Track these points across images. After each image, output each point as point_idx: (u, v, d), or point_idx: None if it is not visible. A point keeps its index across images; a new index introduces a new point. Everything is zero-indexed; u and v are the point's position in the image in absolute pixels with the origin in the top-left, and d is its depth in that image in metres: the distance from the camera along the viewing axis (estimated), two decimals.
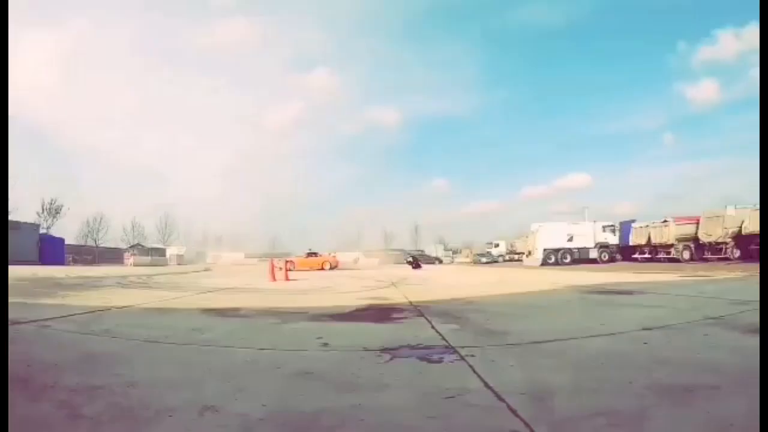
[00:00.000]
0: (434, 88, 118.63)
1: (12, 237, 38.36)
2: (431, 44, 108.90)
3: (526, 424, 2.67)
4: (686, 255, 34.68)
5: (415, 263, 41.13)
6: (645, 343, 4.93)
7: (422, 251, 72.64)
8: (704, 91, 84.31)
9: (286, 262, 22.45)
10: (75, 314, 7.39)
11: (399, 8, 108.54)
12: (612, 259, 41.23)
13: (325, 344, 5.27)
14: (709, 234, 32.73)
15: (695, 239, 34.10)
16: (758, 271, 13.47)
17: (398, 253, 74.37)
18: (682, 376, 3.59)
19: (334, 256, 46.06)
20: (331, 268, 40.39)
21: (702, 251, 33.23)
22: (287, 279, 19.74)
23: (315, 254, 44.71)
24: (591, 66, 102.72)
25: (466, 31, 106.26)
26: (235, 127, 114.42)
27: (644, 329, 5.71)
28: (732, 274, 15.94)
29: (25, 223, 44.82)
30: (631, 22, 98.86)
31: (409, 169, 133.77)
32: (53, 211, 61.65)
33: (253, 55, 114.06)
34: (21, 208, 52.49)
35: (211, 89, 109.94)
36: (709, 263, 28.69)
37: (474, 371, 3.95)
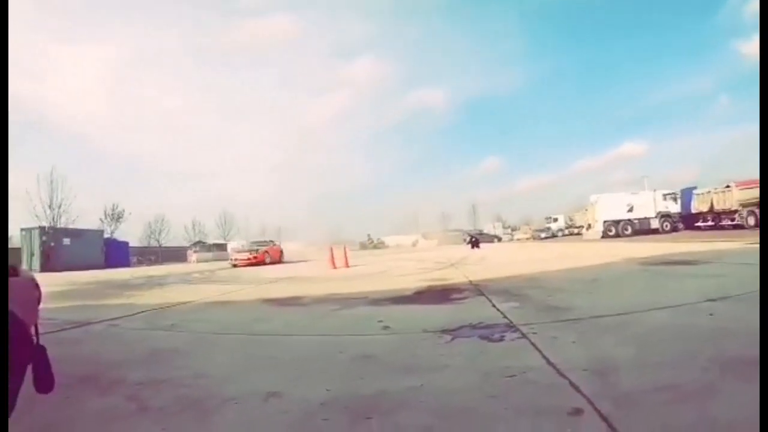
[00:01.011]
0: (480, 65, 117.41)
1: (77, 244, 40.37)
2: (473, 21, 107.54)
3: (589, 401, 2.63)
4: (751, 221, 33.17)
5: (474, 242, 40.81)
6: (710, 315, 4.77)
7: (480, 230, 72.22)
8: (756, 47, 79.62)
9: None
10: (141, 312, 7.68)
11: None
12: (674, 229, 40.02)
13: (386, 327, 5.33)
14: None
15: (760, 204, 32.60)
16: None
17: (456, 233, 74.15)
18: (750, 349, 3.45)
19: (277, 247, 36.22)
20: (272, 263, 31.19)
21: None
22: (347, 266, 19.91)
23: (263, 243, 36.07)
24: (638, 31, 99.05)
25: (508, 4, 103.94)
26: (284, 120, 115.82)
27: (708, 300, 5.51)
28: None
29: (89, 229, 46.75)
30: None
31: (461, 149, 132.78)
32: (116, 216, 64.55)
33: (296, 50, 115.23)
34: (84, 216, 55.21)
35: (258, 86, 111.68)
36: None
37: (536, 348, 3.93)
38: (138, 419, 2.84)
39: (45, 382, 1.07)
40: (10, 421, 0.85)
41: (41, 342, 1.08)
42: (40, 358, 1.08)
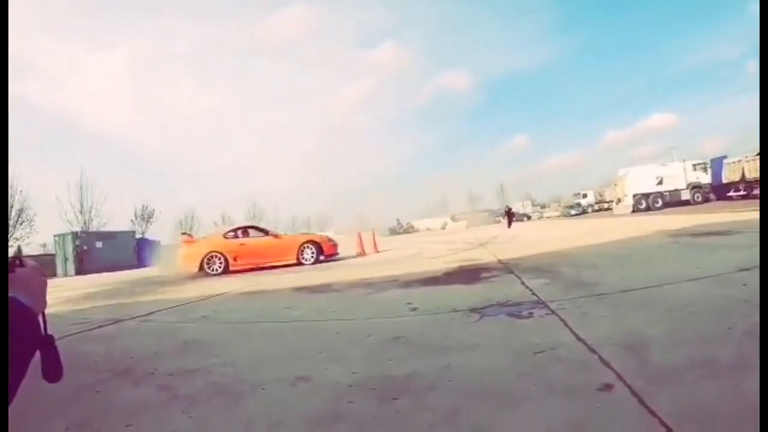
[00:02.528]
0: (503, 42, 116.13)
1: (109, 246, 41.24)
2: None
3: (619, 376, 2.60)
4: None
5: (509, 214, 40.32)
6: (744, 285, 4.64)
7: (509, 209, 72.04)
8: None
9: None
10: (173, 306, 7.81)
11: None
12: (706, 200, 39.28)
13: (415, 309, 5.35)
14: None
15: None
16: None
17: (485, 214, 73.74)
18: None
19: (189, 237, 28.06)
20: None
21: None
22: (376, 250, 19.93)
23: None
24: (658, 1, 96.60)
25: None
26: (309, 111, 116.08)
27: (742, 270, 5.37)
28: None
29: (121, 231, 47.54)
30: None
31: (488, 128, 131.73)
32: (146, 216, 65.57)
33: (318, 40, 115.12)
34: (116, 218, 56.23)
35: (280, 78, 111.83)
36: None
37: (565, 324, 3.90)
38: (167, 406, 2.90)
39: (54, 372, 1.06)
40: (11, 409, 0.86)
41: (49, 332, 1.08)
42: (48, 347, 1.08)
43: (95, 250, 40.14)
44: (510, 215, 40.51)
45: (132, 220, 64.82)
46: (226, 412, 2.73)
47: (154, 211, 67.13)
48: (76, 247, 39.43)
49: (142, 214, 66.37)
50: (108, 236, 43.89)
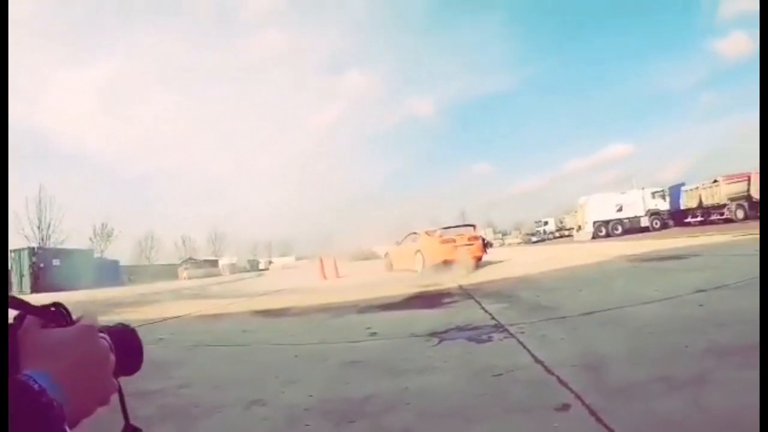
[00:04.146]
0: (467, 72, 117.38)
1: (67, 264, 39.81)
2: (459, 30, 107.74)
3: (577, 396, 2.59)
4: (740, 214, 33.20)
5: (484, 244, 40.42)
6: (701, 306, 4.73)
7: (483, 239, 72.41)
8: (734, 43, 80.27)
9: None
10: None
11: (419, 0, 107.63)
12: (664, 226, 40.12)
13: (374, 333, 5.29)
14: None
15: (748, 197, 32.59)
16: None
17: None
18: (741, 336, 3.41)
19: None
20: None
21: (757, 209, 31.61)
22: (338, 276, 19.80)
23: None
24: (620, 32, 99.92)
25: (493, 12, 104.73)
26: (274, 136, 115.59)
27: (699, 291, 5.48)
28: None
29: (79, 249, 46.33)
30: None
31: (451, 155, 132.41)
32: (105, 235, 63.93)
33: (286, 65, 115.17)
34: (74, 236, 54.77)
35: (246, 103, 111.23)
36: None
37: (524, 347, 3.90)
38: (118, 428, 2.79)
39: None
40: None
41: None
42: None
43: (52, 268, 38.86)
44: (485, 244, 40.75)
45: (90, 239, 63.16)
46: None
47: (113, 229, 65.61)
48: (32, 264, 38.22)
49: (101, 233, 64.77)
50: (65, 254, 42.56)
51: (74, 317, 0.66)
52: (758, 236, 13.83)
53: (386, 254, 21.54)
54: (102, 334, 0.68)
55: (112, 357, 0.66)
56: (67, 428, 0.52)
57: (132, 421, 0.77)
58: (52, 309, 0.64)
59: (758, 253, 8.96)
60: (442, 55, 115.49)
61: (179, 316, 8.93)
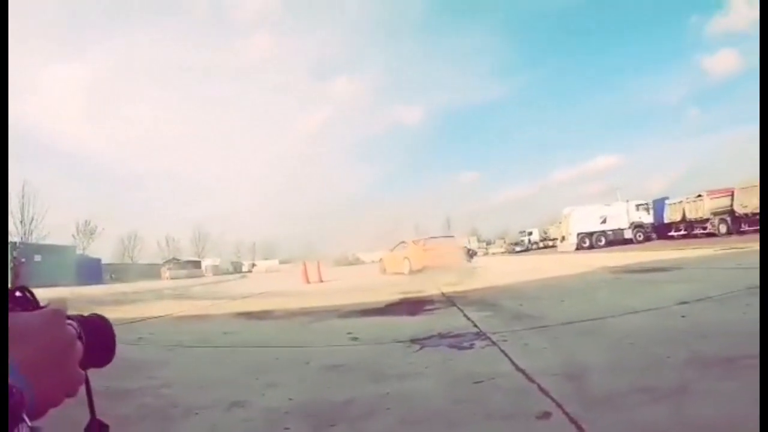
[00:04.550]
0: (455, 80, 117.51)
1: (48, 260, 39.34)
2: (448, 39, 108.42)
3: (558, 405, 2.59)
4: (723, 229, 33.51)
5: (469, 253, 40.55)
6: (683, 317, 4.77)
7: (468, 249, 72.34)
8: (722, 61, 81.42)
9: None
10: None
11: (410, 8, 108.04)
12: (647, 239, 40.39)
13: (355, 339, 5.26)
14: (744, 205, 31.29)
15: (731, 212, 32.80)
16: None
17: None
18: (723, 347, 3.44)
19: None
20: None
21: (739, 224, 31.67)
22: (321, 280, 19.77)
23: None
24: (608, 46, 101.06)
25: (481, 20, 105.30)
26: (262, 139, 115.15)
27: (681, 303, 5.51)
28: None
29: (61, 245, 45.75)
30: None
31: (438, 163, 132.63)
32: (88, 232, 63.15)
33: (275, 70, 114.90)
34: (57, 232, 53.98)
35: (234, 105, 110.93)
36: (747, 236, 27.50)
37: (505, 355, 3.89)
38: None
39: None
40: None
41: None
42: None
43: (33, 264, 38.45)
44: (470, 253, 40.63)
45: (73, 236, 62.37)
46: None
47: (96, 227, 64.86)
48: (13, 259, 37.74)
49: (84, 230, 64.01)
50: (47, 250, 42.12)
51: (41, 303, 0.64)
52: (741, 250, 14.05)
53: (381, 259, 24.68)
54: (70, 321, 0.65)
55: (80, 345, 0.63)
56: (26, 417, 0.50)
57: (99, 417, 0.73)
58: (17, 294, 0.63)
59: (739, 266, 9.10)
60: (431, 63, 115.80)
61: (160, 316, 8.85)
